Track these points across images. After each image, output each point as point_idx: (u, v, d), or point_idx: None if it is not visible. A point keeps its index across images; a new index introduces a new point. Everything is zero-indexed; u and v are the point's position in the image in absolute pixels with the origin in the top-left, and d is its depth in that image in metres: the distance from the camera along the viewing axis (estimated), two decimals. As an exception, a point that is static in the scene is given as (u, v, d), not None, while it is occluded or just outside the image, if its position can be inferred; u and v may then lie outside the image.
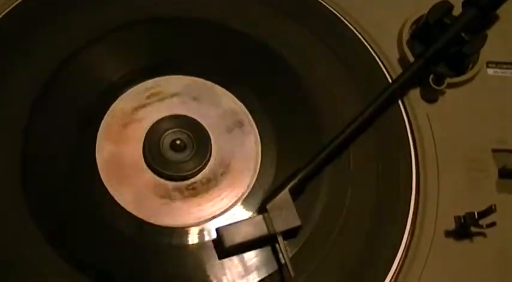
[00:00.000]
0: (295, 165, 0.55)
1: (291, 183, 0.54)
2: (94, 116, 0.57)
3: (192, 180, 0.56)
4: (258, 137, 0.58)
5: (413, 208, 0.57)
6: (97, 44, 0.60)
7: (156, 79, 0.59)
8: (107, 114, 0.57)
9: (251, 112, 0.59)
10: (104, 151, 0.56)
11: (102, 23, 0.61)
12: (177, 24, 0.62)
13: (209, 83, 0.60)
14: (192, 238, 0.53)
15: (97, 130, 0.56)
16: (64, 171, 0.55)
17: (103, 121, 0.57)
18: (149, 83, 0.59)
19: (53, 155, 0.55)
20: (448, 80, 0.60)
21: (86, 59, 0.59)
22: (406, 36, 0.63)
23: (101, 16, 0.61)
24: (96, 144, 0.56)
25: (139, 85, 0.59)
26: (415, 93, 0.61)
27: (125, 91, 0.58)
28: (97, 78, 0.59)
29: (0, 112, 0.56)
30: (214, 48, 0.62)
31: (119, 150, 0.56)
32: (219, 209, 0.55)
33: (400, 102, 0.61)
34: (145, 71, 0.60)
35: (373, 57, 0.63)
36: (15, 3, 0.61)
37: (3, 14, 0.60)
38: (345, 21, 0.64)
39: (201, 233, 0.54)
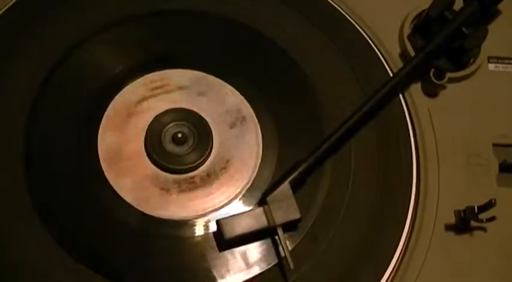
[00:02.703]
0: (296, 158, 0.55)
1: (292, 176, 0.54)
2: (97, 107, 0.57)
3: (193, 173, 0.56)
4: (260, 130, 0.58)
5: (414, 202, 0.57)
6: (101, 36, 0.60)
7: (162, 72, 0.59)
8: (110, 105, 0.57)
9: (253, 106, 0.59)
10: (105, 141, 0.56)
11: (106, 16, 0.61)
12: (185, 17, 0.62)
13: (212, 77, 0.60)
14: (193, 231, 0.54)
15: (100, 120, 0.56)
16: (66, 162, 0.55)
17: (106, 112, 0.57)
18: (155, 75, 0.59)
19: (55, 145, 0.56)
20: (449, 75, 0.60)
21: (88, 51, 0.59)
22: (407, 30, 0.63)
23: (104, 8, 0.62)
24: (98, 135, 0.56)
25: (145, 77, 0.59)
26: (416, 88, 0.61)
27: (130, 83, 0.59)
28: (101, 69, 0.59)
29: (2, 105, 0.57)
30: (218, 41, 0.62)
31: (120, 141, 0.56)
32: (220, 202, 0.55)
33: (401, 96, 0.61)
34: (151, 63, 0.60)
35: (375, 51, 0.63)
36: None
37: (3, 9, 0.61)
38: (346, 15, 0.64)
39: (201, 226, 0.54)
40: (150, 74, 0.59)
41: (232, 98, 0.59)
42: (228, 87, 0.59)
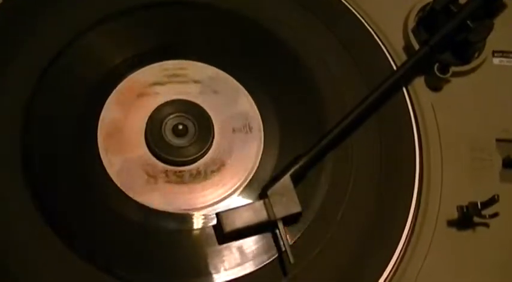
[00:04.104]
0: (298, 152, 0.55)
1: (293, 169, 0.53)
2: (98, 97, 0.57)
3: (194, 165, 0.56)
4: (261, 123, 0.58)
5: (416, 197, 0.57)
6: (108, 24, 0.60)
7: (183, 61, 0.59)
8: (123, 81, 0.57)
9: (255, 99, 0.59)
10: (109, 115, 0.56)
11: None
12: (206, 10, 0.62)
13: (216, 69, 0.59)
14: (192, 224, 0.53)
15: (108, 94, 0.56)
16: (65, 132, 0.55)
17: (117, 87, 0.57)
18: (176, 63, 0.59)
19: (59, 113, 0.56)
20: (453, 69, 0.60)
21: (94, 39, 0.59)
22: (411, 23, 0.62)
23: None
24: (104, 107, 0.56)
25: (165, 62, 0.59)
26: (419, 82, 0.61)
27: (148, 65, 0.59)
28: (101, 61, 0.59)
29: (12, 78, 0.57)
30: (227, 38, 0.61)
31: (124, 119, 0.56)
32: (220, 195, 0.55)
33: (404, 90, 0.60)
34: (152, 55, 0.59)
35: (379, 44, 0.62)
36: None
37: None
38: (350, 8, 0.63)
39: (201, 219, 0.53)
40: (172, 61, 0.59)
41: (234, 91, 0.59)
42: (231, 80, 0.59)
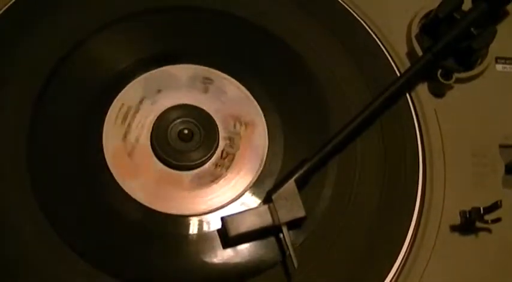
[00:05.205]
0: (302, 156, 0.55)
1: (297, 174, 0.53)
2: (102, 101, 0.57)
3: (198, 170, 0.56)
4: (266, 128, 0.58)
5: (419, 202, 0.57)
6: (103, 34, 0.60)
7: (170, 67, 0.59)
8: (115, 100, 0.57)
9: (260, 104, 0.59)
10: (110, 138, 0.56)
11: (109, 13, 0.61)
12: (194, 13, 0.62)
13: (220, 73, 0.60)
14: (196, 228, 0.54)
15: (104, 118, 0.56)
16: (70, 132, 0.55)
17: (111, 106, 0.57)
18: (162, 70, 0.59)
19: (60, 140, 0.56)
20: (457, 75, 0.60)
21: (90, 49, 0.59)
22: (415, 30, 0.62)
23: (106, 6, 0.61)
24: (103, 132, 0.56)
25: (151, 72, 0.59)
26: (423, 88, 0.61)
27: (134, 79, 0.58)
28: (103, 67, 0.59)
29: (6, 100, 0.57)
30: (228, 40, 0.62)
31: (126, 138, 0.56)
32: (225, 199, 0.55)
33: (407, 96, 0.60)
34: (155, 60, 0.59)
35: (382, 50, 0.62)
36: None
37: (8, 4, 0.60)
38: (354, 14, 0.64)
39: (205, 223, 0.54)
40: (158, 69, 0.59)
41: (239, 95, 0.59)
42: (236, 84, 0.59)
